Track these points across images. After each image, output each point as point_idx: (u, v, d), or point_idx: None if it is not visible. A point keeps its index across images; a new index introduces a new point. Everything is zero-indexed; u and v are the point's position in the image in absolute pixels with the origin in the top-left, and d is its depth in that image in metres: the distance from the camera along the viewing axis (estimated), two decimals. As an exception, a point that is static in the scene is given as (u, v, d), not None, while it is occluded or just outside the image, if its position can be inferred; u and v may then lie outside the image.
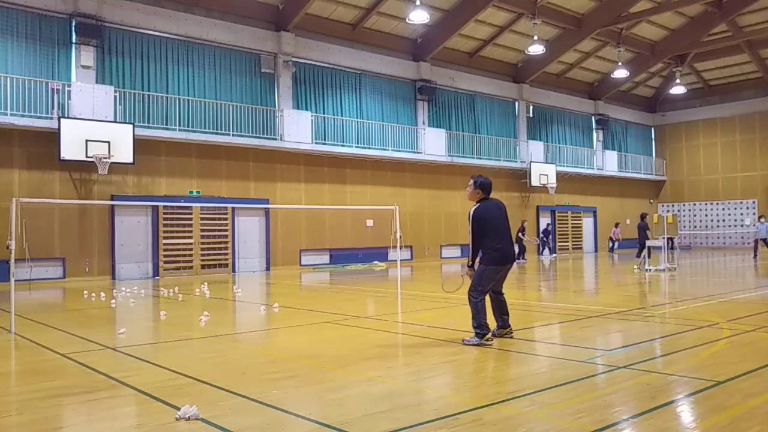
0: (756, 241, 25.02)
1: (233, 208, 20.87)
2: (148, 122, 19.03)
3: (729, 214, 35.20)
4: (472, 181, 7.21)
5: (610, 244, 31.47)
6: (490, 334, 6.85)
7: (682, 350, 6.57)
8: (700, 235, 36.18)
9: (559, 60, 29.82)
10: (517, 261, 25.72)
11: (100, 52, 18.56)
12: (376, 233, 23.80)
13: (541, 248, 28.57)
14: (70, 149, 17.08)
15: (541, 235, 29.07)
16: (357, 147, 23.72)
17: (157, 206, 19.23)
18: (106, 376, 5.69)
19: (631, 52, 31.00)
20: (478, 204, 7.10)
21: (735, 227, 34.83)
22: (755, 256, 24.46)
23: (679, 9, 27.92)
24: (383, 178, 24.84)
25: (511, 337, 7.20)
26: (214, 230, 20.55)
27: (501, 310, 7.28)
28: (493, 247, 6.95)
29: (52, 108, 17.38)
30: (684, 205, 36.83)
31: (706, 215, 36.02)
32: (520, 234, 26.64)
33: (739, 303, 10.78)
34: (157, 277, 19.03)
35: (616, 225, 31.47)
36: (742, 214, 34.73)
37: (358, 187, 24.11)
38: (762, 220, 25.55)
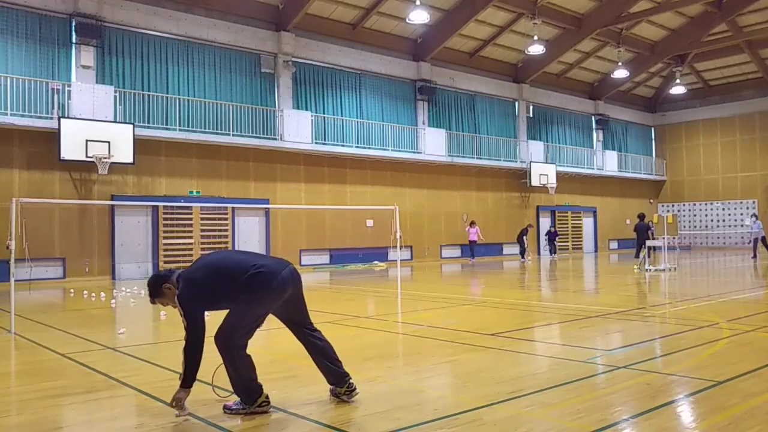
0: (755, 240, 24.93)
1: (233, 208, 20.87)
2: (148, 122, 19.02)
3: (729, 214, 35.20)
4: (151, 296, 4.66)
5: (471, 249, 25.78)
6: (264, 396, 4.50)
7: (682, 350, 6.57)
8: (700, 235, 36.18)
9: (559, 60, 29.81)
10: (521, 260, 26.00)
11: (100, 52, 18.55)
12: (376, 233, 23.79)
13: (551, 249, 28.61)
14: (70, 149, 17.07)
15: (545, 236, 29.08)
16: (357, 147, 23.71)
17: (157, 206, 19.22)
18: (106, 376, 5.69)
19: (631, 52, 30.99)
20: (180, 284, 4.50)
21: (735, 227, 34.82)
22: (754, 255, 24.42)
23: (679, 9, 27.91)
24: (383, 178, 24.83)
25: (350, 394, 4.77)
26: (214, 230, 20.54)
27: (325, 356, 4.81)
28: (238, 284, 4.40)
29: (52, 108, 17.37)
30: (684, 205, 36.83)
31: (706, 215, 36.02)
32: (524, 237, 26.67)
33: (739, 303, 10.78)
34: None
35: (472, 224, 25.93)
36: (742, 214, 34.72)
37: (358, 187, 24.11)
38: (753, 219, 25.62)
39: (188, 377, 4.40)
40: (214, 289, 4.44)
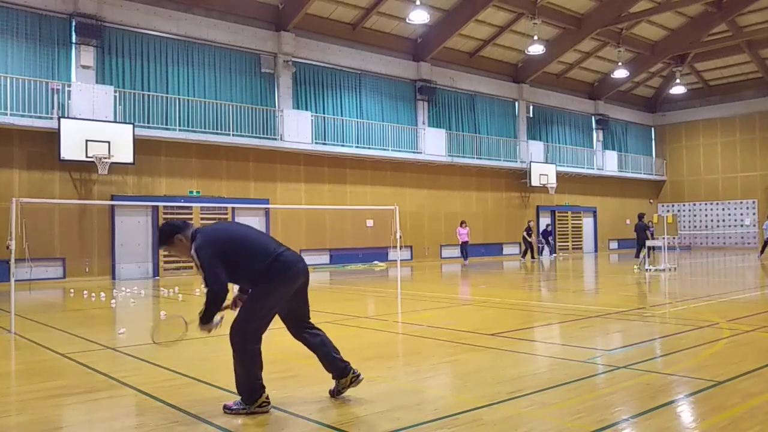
0: (766, 241, 24.57)
1: (233, 208, 20.87)
2: (148, 122, 19.02)
3: (729, 214, 35.20)
4: (159, 243, 4.75)
5: (463, 250, 24.88)
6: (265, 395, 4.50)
7: (682, 350, 6.57)
8: (700, 235, 36.17)
9: (559, 60, 29.80)
10: (521, 260, 26.01)
11: (100, 52, 18.55)
12: (376, 233, 23.79)
13: (540, 249, 28.57)
14: (70, 149, 17.07)
15: (540, 236, 29.04)
16: (357, 147, 23.71)
17: (157, 206, 19.21)
18: (106, 376, 5.69)
19: (631, 52, 30.99)
20: (196, 237, 4.52)
21: (735, 227, 34.83)
22: (761, 254, 24.29)
23: (679, 9, 27.91)
24: (383, 178, 24.83)
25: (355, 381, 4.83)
26: (214, 230, 20.49)
27: (327, 347, 4.85)
28: (258, 265, 4.49)
29: (52, 108, 17.37)
30: (684, 205, 36.82)
31: (706, 215, 36.02)
32: (525, 234, 26.64)
33: (739, 303, 10.78)
34: (157, 277, 19.02)
35: (462, 224, 25.01)
36: (742, 214, 34.72)
37: (358, 187, 24.11)
38: None
39: (207, 317, 4.41)
40: (232, 260, 4.44)
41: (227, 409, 4.46)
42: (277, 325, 4.71)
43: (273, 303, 4.53)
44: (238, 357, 4.45)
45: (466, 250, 24.83)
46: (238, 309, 4.56)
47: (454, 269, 22.07)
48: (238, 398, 4.50)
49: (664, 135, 38.12)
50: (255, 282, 4.52)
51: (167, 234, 4.64)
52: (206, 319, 4.40)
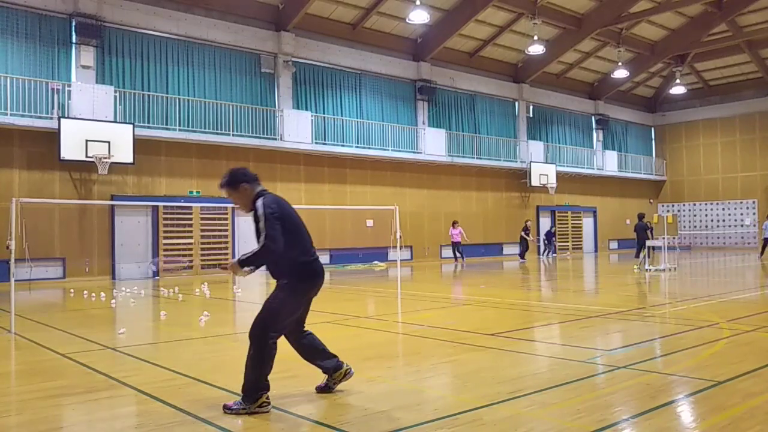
0: (765, 240, 24.57)
1: (233, 208, 20.81)
2: (148, 122, 19.02)
3: (729, 214, 35.19)
4: (225, 182, 4.76)
5: (456, 251, 24.43)
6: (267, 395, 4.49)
7: (682, 350, 6.57)
8: (700, 235, 36.17)
9: (559, 60, 29.80)
10: (521, 261, 26.02)
11: (100, 52, 18.55)
12: (376, 233, 23.78)
13: (541, 249, 28.59)
14: (70, 149, 17.07)
15: (543, 236, 29.08)
16: (357, 147, 23.71)
17: (157, 206, 19.20)
18: (106, 376, 5.69)
19: (631, 52, 30.99)
20: (263, 195, 4.72)
21: (735, 227, 34.82)
22: (761, 254, 24.29)
23: (679, 9, 27.91)
24: (383, 178, 24.83)
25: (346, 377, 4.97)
26: (214, 230, 20.54)
27: (318, 345, 4.97)
28: (303, 257, 4.72)
29: (52, 108, 17.37)
30: (684, 205, 36.82)
31: (706, 215, 36.02)
32: (523, 233, 26.64)
33: (739, 303, 10.78)
34: (157, 277, 19.02)
35: (454, 224, 24.59)
36: (742, 214, 34.72)
37: (358, 187, 24.11)
38: None
39: (245, 264, 4.56)
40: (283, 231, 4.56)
41: (227, 409, 4.46)
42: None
43: (298, 303, 4.68)
44: (257, 354, 4.49)
45: (459, 250, 24.67)
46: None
47: (453, 269, 22.06)
48: (239, 398, 4.50)
49: (664, 135, 38.12)
50: (283, 272, 4.64)
51: (237, 178, 4.72)
52: (244, 264, 4.54)
